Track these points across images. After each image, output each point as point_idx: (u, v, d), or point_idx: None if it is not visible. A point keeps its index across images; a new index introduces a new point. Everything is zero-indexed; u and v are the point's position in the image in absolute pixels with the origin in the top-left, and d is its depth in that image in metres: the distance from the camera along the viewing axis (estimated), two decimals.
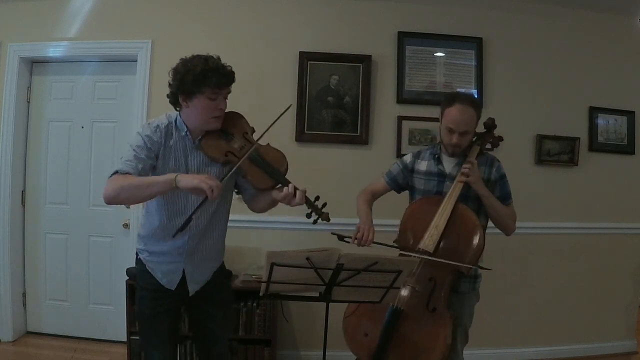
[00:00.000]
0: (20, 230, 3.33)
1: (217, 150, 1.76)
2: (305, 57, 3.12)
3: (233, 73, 1.77)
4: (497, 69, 3.23)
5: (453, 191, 1.96)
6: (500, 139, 2.17)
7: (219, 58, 1.76)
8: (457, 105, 1.96)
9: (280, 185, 1.73)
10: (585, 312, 3.34)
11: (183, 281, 1.85)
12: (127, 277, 2.87)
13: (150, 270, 1.85)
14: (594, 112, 3.31)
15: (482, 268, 1.96)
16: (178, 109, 1.81)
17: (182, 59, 1.75)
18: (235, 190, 1.95)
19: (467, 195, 2.00)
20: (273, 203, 1.81)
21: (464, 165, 1.97)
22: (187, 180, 1.57)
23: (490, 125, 2.14)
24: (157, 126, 1.76)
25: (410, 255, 1.86)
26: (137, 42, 3.12)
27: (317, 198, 1.76)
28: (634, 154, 3.38)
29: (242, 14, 3.15)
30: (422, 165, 2.14)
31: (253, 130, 1.85)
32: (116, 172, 1.65)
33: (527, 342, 3.29)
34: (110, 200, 1.63)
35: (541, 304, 3.30)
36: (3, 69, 3.17)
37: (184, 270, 1.84)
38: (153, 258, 1.85)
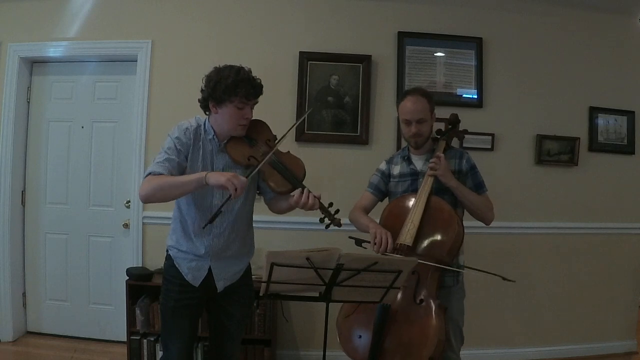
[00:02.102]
0: (20, 230, 3.33)
1: (241, 154, 1.88)
2: (305, 57, 3.12)
3: (261, 86, 1.89)
4: (497, 69, 3.23)
5: (425, 185, 2.01)
6: (466, 132, 2.29)
7: (250, 70, 1.87)
8: (408, 97, 2.10)
9: (297, 190, 1.83)
10: (585, 312, 3.34)
11: (208, 278, 1.93)
12: (127, 277, 2.88)
13: (177, 266, 1.94)
14: (594, 112, 3.31)
15: (505, 279, 1.93)
16: (207, 113, 1.93)
17: (215, 68, 1.87)
18: (258, 192, 2.05)
19: (442, 189, 2.05)
20: (291, 207, 1.89)
21: (430, 160, 2.03)
22: (215, 178, 1.68)
23: (454, 120, 2.23)
24: (187, 128, 1.88)
25: (392, 256, 1.85)
26: (137, 42, 3.12)
27: (331, 204, 1.85)
28: (634, 154, 3.38)
29: (242, 14, 3.15)
30: (396, 169, 2.21)
31: (275, 138, 1.96)
32: (149, 174, 1.78)
33: (527, 342, 3.29)
34: (147, 199, 1.79)
35: (541, 304, 3.30)
36: (3, 69, 3.17)
37: (210, 268, 1.92)
38: (181, 255, 1.94)
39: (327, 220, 1.84)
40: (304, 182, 1.88)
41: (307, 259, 1.47)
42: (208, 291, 1.95)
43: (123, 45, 3.13)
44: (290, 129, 1.86)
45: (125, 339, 2.91)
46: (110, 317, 3.28)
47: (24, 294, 3.35)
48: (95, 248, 3.31)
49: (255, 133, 1.94)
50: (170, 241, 1.98)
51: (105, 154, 3.27)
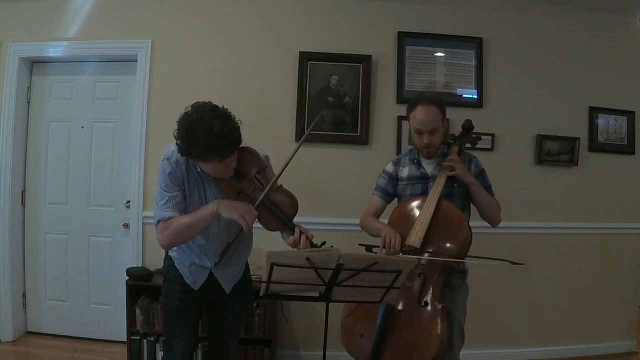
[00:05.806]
0: (20, 230, 3.33)
1: (230, 189, 1.79)
2: (305, 57, 3.12)
3: (239, 136, 1.67)
4: (497, 69, 3.23)
5: (436, 187, 2.01)
6: (479, 138, 2.26)
7: (225, 115, 1.64)
8: (419, 106, 2.04)
9: (295, 231, 1.76)
10: (585, 312, 3.34)
11: (211, 280, 1.93)
12: (127, 277, 2.88)
13: (177, 267, 1.94)
14: (594, 112, 3.31)
15: (514, 263, 1.97)
16: None
17: (185, 115, 1.65)
18: None
19: (452, 194, 2.05)
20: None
21: (446, 160, 2.03)
22: (228, 212, 1.68)
23: (468, 127, 2.21)
24: (177, 161, 1.77)
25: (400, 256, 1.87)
26: (137, 42, 3.12)
27: (324, 243, 1.73)
28: (634, 154, 3.38)
29: (242, 14, 3.15)
30: (404, 172, 2.19)
31: (265, 168, 1.82)
32: (160, 221, 1.75)
33: (527, 342, 3.29)
34: (169, 247, 1.86)
35: (541, 304, 3.30)
36: (3, 69, 3.17)
37: (210, 272, 1.93)
38: (182, 257, 1.93)
39: None
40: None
41: (307, 259, 1.47)
42: (214, 292, 1.95)
43: (123, 45, 3.13)
44: (287, 162, 1.72)
45: (125, 339, 2.91)
46: (110, 317, 3.27)
47: (24, 294, 3.34)
48: (95, 248, 3.30)
49: (243, 164, 1.78)
50: None
51: (105, 154, 3.27)
